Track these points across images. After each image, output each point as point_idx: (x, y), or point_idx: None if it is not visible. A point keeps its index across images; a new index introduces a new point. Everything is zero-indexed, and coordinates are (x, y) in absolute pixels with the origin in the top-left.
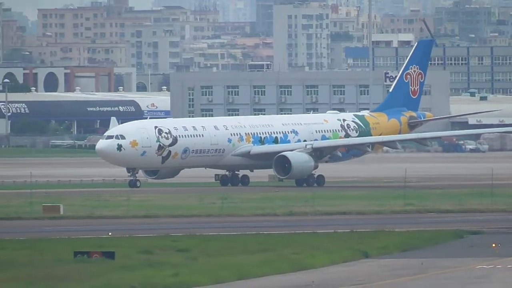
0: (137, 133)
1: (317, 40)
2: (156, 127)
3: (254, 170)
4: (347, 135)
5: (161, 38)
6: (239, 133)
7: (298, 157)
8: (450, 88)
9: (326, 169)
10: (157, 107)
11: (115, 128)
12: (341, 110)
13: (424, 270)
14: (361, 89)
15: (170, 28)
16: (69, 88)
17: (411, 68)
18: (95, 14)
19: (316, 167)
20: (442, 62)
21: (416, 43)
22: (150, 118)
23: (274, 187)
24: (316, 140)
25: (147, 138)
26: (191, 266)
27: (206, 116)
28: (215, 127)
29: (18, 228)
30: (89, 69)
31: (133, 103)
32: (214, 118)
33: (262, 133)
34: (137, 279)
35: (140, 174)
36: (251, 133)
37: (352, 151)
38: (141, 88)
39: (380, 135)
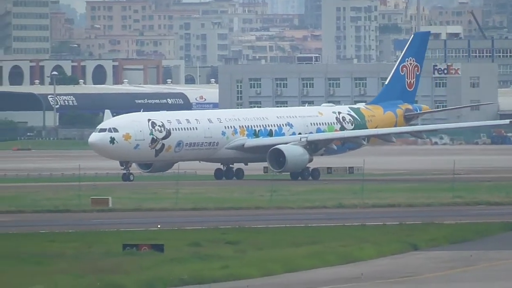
0: (130, 126)
1: (365, 33)
2: (149, 120)
3: (249, 164)
4: (342, 128)
5: (209, 30)
6: (233, 126)
7: (293, 150)
8: (498, 80)
9: (373, 162)
10: (205, 100)
11: (108, 121)
12: None
13: (473, 262)
14: None
15: (218, 20)
16: (117, 80)
17: (407, 61)
18: (143, 6)
19: (311, 160)
20: (491, 54)
21: (412, 35)
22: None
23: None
24: (311, 133)
25: (140, 131)
26: (240, 258)
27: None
28: (209, 120)
29: (66, 221)
30: (138, 61)
31: (181, 95)
32: (208, 111)
33: (257, 126)
34: (186, 272)
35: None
36: (245, 126)
37: (348, 144)
38: (190, 80)
39: (375, 128)
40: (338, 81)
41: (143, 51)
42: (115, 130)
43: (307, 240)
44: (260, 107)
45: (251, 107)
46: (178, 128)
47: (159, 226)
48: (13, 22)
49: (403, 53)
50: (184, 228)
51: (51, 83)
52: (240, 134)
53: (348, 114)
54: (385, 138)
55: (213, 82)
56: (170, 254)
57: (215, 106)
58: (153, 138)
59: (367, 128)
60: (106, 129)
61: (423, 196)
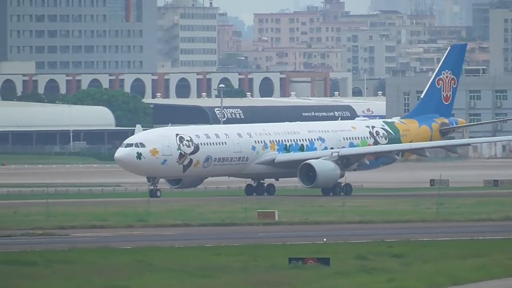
0: (157, 141)
1: None
2: (177, 134)
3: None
4: (376, 142)
5: (377, 43)
6: (264, 141)
7: (324, 165)
8: None
9: None
10: (372, 112)
11: (134, 135)
12: None
13: None
14: None
15: (386, 33)
16: (284, 93)
17: (443, 74)
18: (311, 19)
19: (342, 175)
20: None
21: (449, 47)
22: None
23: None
24: (343, 147)
25: (168, 146)
26: (406, 272)
27: None
28: (239, 135)
29: (233, 234)
30: (305, 74)
31: (348, 108)
32: (237, 125)
33: (288, 140)
34: (352, 286)
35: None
36: (276, 141)
37: (381, 159)
38: (357, 93)
39: (410, 142)
40: (505, 93)
41: (311, 63)
42: (142, 145)
43: (473, 252)
44: None
45: None
46: (207, 143)
47: (324, 239)
48: (180, 35)
49: (439, 65)
50: (350, 241)
51: (218, 96)
52: (270, 149)
53: (382, 128)
54: (418, 153)
55: (380, 94)
56: (336, 267)
57: (382, 118)
58: (181, 153)
59: (401, 143)
60: (132, 144)
61: None
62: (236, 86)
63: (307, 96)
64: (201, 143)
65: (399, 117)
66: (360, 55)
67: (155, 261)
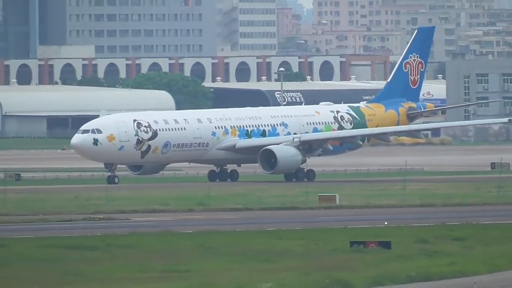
0: (114, 126)
1: None
2: (135, 120)
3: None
4: (340, 128)
5: (436, 26)
6: (224, 126)
7: (285, 151)
8: None
9: None
10: (432, 96)
11: (91, 121)
12: None
13: None
14: None
15: (445, 16)
16: (344, 76)
17: (410, 57)
18: (370, 2)
19: (304, 161)
20: None
21: (416, 30)
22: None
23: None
24: (307, 133)
25: (125, 132)
26: (468, 255)
27: (481, 105)
28: (199, 120)
29: (294, 218)
30: (365, 57)
31: None
32: (198, 110)
33: (249, 126)
34: (413, 269)
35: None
36: (237, 126)
37: (346, 144)
38: None
39: (376, 126)
40: None
41: (370, 46)
42: (99, 131)
43: None
44: (487, 103)
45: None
46: (165, 129)
47: (386, 223)
48: (239, 18)
49: (406, 49)
50: (411, 224)
51: (278, 80)
52: (231, 134)
53: (347, 113)
54: (381, 138)
55: (440, 77)
56: (397, 251)
57: (442, 102)
58: (138, 139)
59: (367, 127)
60: (89, 130)
61: None
62: (296, 69)
63: (367, 80)
64: (159, 129)
65: (365, 102)
66: None
67: (216, 246)
